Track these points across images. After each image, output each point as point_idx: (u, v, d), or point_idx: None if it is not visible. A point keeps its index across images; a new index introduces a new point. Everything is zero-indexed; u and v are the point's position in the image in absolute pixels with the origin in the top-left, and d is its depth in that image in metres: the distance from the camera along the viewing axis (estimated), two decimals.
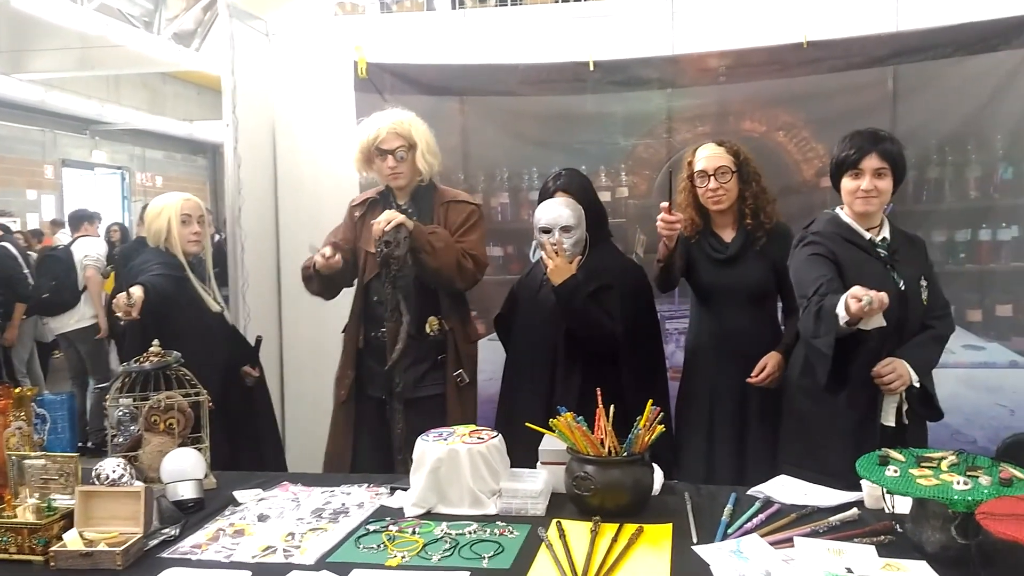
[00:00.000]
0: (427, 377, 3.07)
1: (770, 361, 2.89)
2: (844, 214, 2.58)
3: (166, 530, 2.02)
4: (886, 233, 2.57)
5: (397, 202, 3.13)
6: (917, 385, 2.46)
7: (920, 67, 3.49)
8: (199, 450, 2.39)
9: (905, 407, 2.49)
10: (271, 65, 4.19)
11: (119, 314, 2.83)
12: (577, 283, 2.86)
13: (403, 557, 1.86)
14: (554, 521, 2.02)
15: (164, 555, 1.91)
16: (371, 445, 3.12)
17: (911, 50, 3.49)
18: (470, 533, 1.98)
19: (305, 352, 4.21)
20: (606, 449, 2.10)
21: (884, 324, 2.18)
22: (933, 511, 1.75)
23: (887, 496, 1.91)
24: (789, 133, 3.64)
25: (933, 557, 1.74)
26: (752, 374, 2.90)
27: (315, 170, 4.10)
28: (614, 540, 1.89)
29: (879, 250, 2.53)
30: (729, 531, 1.95)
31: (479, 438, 2.20)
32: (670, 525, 1.99)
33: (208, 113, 13.90)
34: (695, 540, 1.91)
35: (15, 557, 1.90)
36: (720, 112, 3.71)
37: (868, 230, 2.54)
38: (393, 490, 2.29)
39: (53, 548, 1.87)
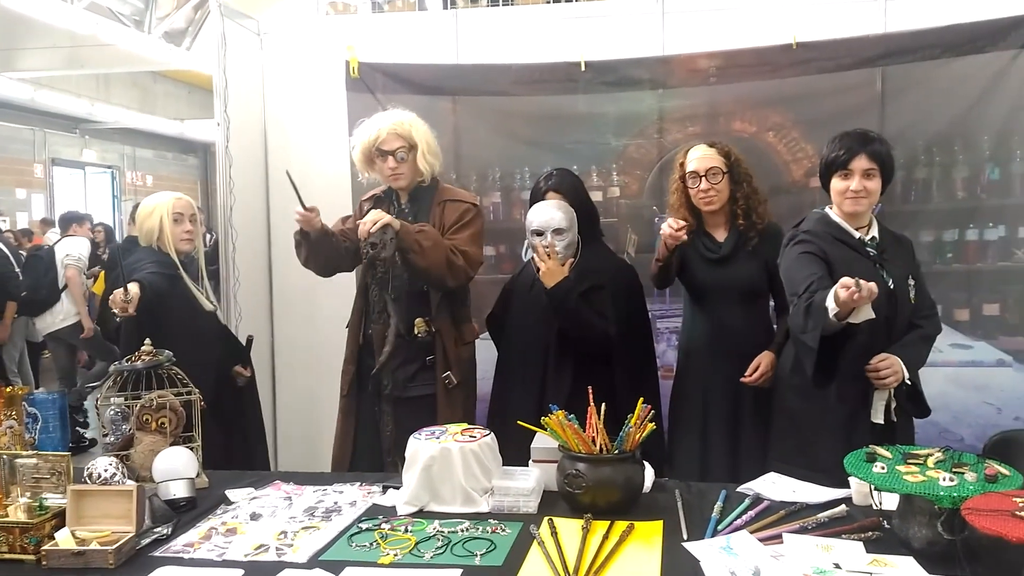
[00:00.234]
0: (417, 377, 3.07)
1: (763, 360, 2.91)
2: (833, 213, 2.60)
3: (158, 529, 2.02)
4: (875, 232, 2.59)
5: (399, 201, 3.14)
6: (908, 382, 2.49)
7: (908, 68, 3.52)
8: (191, 449, 2.39)
9: (894, 404, 2.52)
10: (262, 64, 4.19)
11: (115, 311, 2.84)
12: (569, 286, 2.87)
13: (396, 555, 1.87)
14: (546, 519, 2.03)
15: (156, 554, 1.92)
16: (369, 440, 3.13)
17: (899, 51, 3.51)
18: (462, 531, 1.99)
19: (297, 352, 4.21)
20: (597, 447, 2.11)
21: (873, 316, 2.20)
22: (920, 507, 1.77)
23: (875, 492, 1.93)
24: (779, 133, 3.66)
25: (920, 553, 1.75)
26: (746, 374, 2.92)
27: (307, 169, 4.08)
28: (605, 537, 1.91)
29: (868, 249, 2.55)
30: (719, 528, 1.97)
31: (471, 436, 2.21)
32: (661, 522, 2.01)
33: (199, 112, 13.87)
34: (685, 537, 1.93)
35: (7, 556, 1.90)
36: (710, 113, 3.72)
37: (857, 229, 2.57)
38: (385, 488, 2.30)
39: (45, 547, 1.87)
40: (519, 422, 2.32)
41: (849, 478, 2.05)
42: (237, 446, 3.17)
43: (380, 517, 2.10)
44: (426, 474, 2.14)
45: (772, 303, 3.06)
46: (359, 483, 2.37)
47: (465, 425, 2.32)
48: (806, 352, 2.39)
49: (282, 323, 4.27)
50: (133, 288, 2.82)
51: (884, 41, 3.54)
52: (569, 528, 1.97)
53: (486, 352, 3.42)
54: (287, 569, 1.82)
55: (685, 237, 2.86)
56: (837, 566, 1.69)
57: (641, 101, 3.76)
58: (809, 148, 3.61)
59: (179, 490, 2.20)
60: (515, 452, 2.34)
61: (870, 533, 1.88)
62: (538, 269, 2.91)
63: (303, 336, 4.17)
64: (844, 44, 3.55)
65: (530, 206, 3.13)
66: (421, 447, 2.18)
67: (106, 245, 8.30)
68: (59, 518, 1.96)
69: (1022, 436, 3.14)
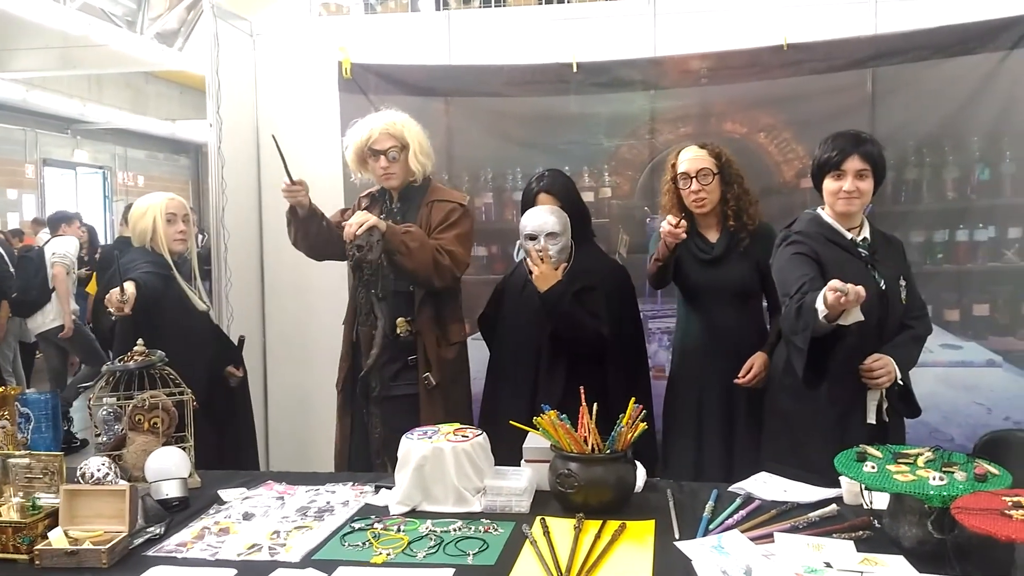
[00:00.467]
0: (400, 377, 3.08)
1: (756, 361, 2.92)
2: (825, 214, 2.61)
3: (151, 529, 2.02)
4: (866, 233, 2.60)
5: (391, 200, 3.15)
6: (900, 382, 2.51)
7: (898, 69, 3.53)
8: (184, 449, 2.39)
9: (885, 405, 2.53)
10: (255, 65, 4.19)
11: (111, 309, 2.84)
12: (563, 289, 2.88)
13: (388, 554, 1.87)
14: (538, 518, 2.03)
15: (149, 553, 1.92)
16: (359, 440, 3.14)
17: (890, 53, 3.52)
18: (455, 530, 2.00)
19: (288, 352, 4.21)
20: (589, 447, 2.12)
21: (863, 319, 2.21)
22: (910, 506, 1.78)
23: (865, 492, 1.94)
24: (770, 134, 3.67)
25: (910, 551, 1.77)
26: (739, 375, 2.93)
27: (299, 170, 4.07)
28: (597, 536, 1.91)
29: (860, 250, 2.56)
30: (710, 527, 1.97)
31: (464, 436, 2.22)
32: (652, 521, 2.01)
33: (191, 113, 13.83)
34: (677, 536, 1.94)
35: None
36: (702, 113, 3.73)
37: (849, 230, 2.58)
38: (378, 488, 2.30)
39: (38, 547, 1.87)
40: (511, 422, 2.33)
41: (840, 477, 2.06)
42: (229, 446, 3.17)
43: (373, 517, 2.10)
44: (418, 474, 2.15)
45: (765, 303, 3.07)
46: (352, 483, 2.38)
47: (457, 425, 2.32)
48: (797, 353, 2.40)
49: (274, 323, 4.26)
50: (129, 288, 2.82)
51: (874, 42, 3.55)
52: (561, 527, 1.98)
53: (476, 351, 3.42)
54: (280, 568, 1.82)
55: (684, 235, 2.86)
56: (828, 565, 1.70)
57: (633, 102, 3.76)
58: (800, 149, 3.63)
59: (172, 490, 2.20)
60: (508, 452, 2.35)
61: (861, 532, 1.89)
62: (531, 272, 2.91)
63: (295, 336, 4.16)
64: (835, 45, 3.57)
65: (522, 207, 3.14)
66: (413, 447, 2.18)
67: (89, 246, 8.27)
68: (52, 518, 1.96)
69: (1012, 436, 3.15)
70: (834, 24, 3.61)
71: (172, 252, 3.13)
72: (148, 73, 13.54)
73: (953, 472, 1.79)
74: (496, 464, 2.27)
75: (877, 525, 1.90)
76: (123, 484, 2.07)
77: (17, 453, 2.13)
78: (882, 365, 2.47)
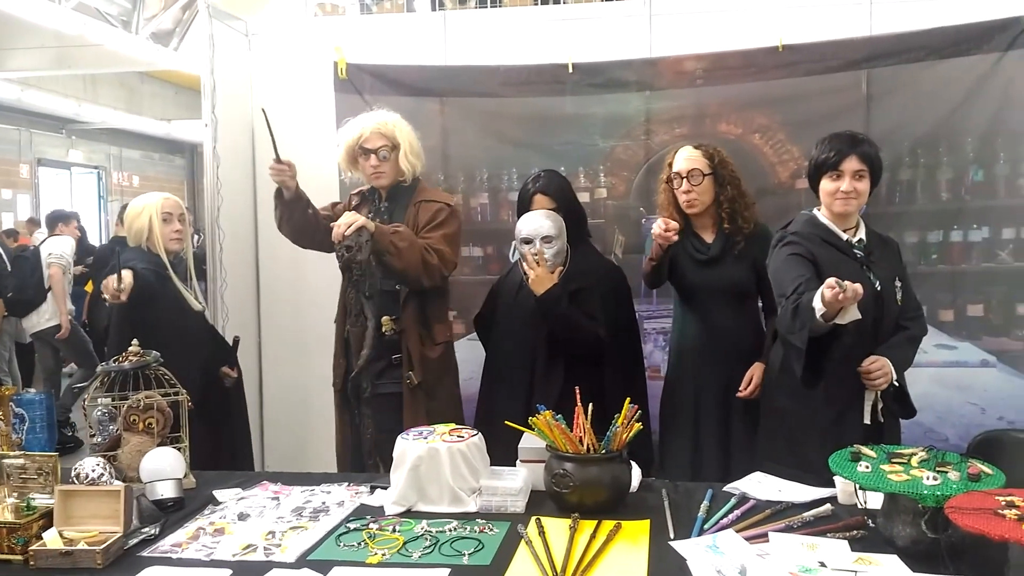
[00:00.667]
0: (385, 375, 3.09)
1: (756, 373, 2.92)
2: (821, 215, 2.61)
3: (146, 529, 2.02)
4: (862, 234, 2.61)
5: (380, 200, 3.15)
6: (895, 383, 2.51)
7: (893, 71, 3.53)
8: (179, 450, 2.39)
9: (880, 405, 2.54)
10: (250, 65, 4.19)
11: (106, 296, 2.84)
12: (559, 292, 2.88)
13: (383, 555, 1.88)
14: (533, 518, 2.04)
15: (144, 554, 1.92)
16: (353, 440, 3.14)
17: (884, 54, 3.53)
18: (450, 531, 2.00)
19: (284, 352, 4.20)
20: (585, 447, 2.12)
21: (859, 317, 2.22)
22: (904, 506, 1.79)
23: (859, 492, 1.95)
24: (765, 135, 3.67)
25: (904, 551, 1.77)
26: (740, 388, 2.94)
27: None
28: (592, 536, 1.92)
29: (855, 251, 2.57)
30: (705, 527, 1.98)
31: (459, 436, 2.22)
32: (648, 521, 2.02)
33: (186, 113, 13.79)
34: (672, 536, 1.94)
35: None
36: (697, 114, 3.74)
37: (845, 231, 2.58)
38: (373, 488, 2.30)
39: (32, 547, 1.87)
40: (507, 422, 2.33)
41: (834, 477, 2.06)
42: (224, 447, 3.17)
43: (368, 517, 2.11)
44: (414, 474, 2.15)
45: (760, 304, 3.08)
46: (347, 483, 2.38)
47: (453, 425, 2.33)
48: (795, 353, 2.41)
49: (269, 324, 4.26)
50: (127, 276, 2.83)
51: (869, 44, 3.56)
52: (556, 527, 1.98)
53: (472, 352, 3.42)
54: (275, 569, 1.82)
55: (675, 238, 2.87)
56: (822, 564, 1.71)
57: (628, 103, 3.76)
58: (795, 150, 3.63)
59: (167, 490, 2.20)
60: (504, 452, 2.35)
61: (855, 532, 1.89)
62: (527, 276, 2.92)
63: (290, 336, 4.16)
64: (830, 46, 3.57)
65: (518, 208, 3.14)
66: (409, 447, 2.18)
67: (80, 248, 8.24)
68: (47, 518, 1.96)
69: (1006, 436, 3.16)
70: (829, 25, 3.61)
71: (168, 251, 3.13)
72: (143, 73, 13.51)
73: (947, 472, 1.80)
74: (493, 464, 2.27)
75: (871, 525, 1.91)
76: (118, 485, 2.07)
77: (12, 454, 2.13)
78: (880, 367, 2.48)
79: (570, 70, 3.75)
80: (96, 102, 12.97)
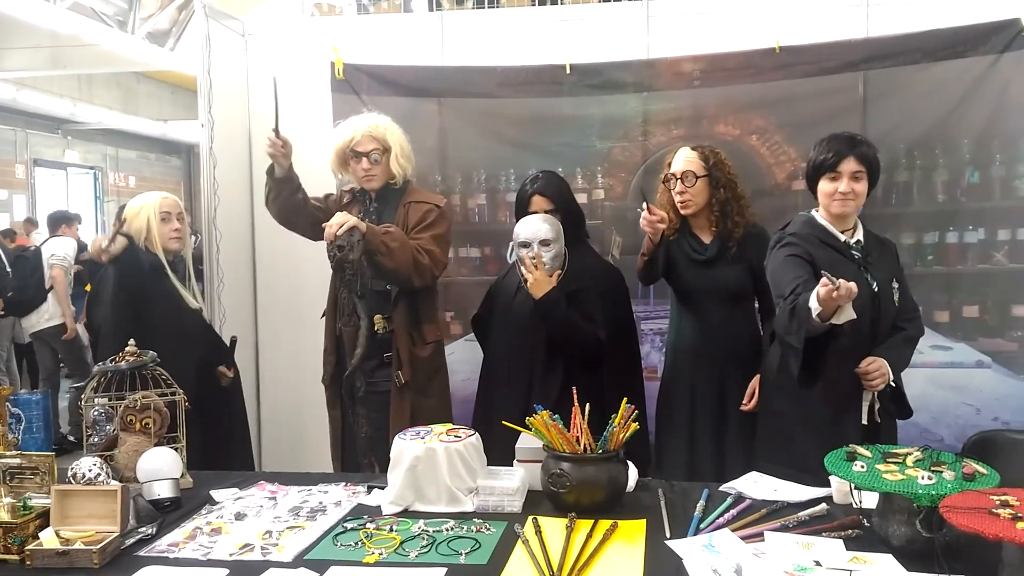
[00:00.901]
0: (377, 373, 3.10)
1: (757, 386, 2.93)
2: (819, 216, 2.62)
3: (143, 529, 2.02)
4: (860, 236, 2.61)
5: (370, 201, 3.17)
6: (892, 383, 2.52)
7: (890, 72, 3.54)
8: (175, 449, 2.39)
9: (877, 405, 2.55)
10: (247, 65, 4.19)
11: (90, 251, 2.87)
12: (557, 296, 2.88)
13: (380, 554, 1.88)
14: (530, 518, 2.04)
15: (141, 553, 1.92)
16: (349, 435, 3.15)
17: (881, 56, 3.54)
18: (447, 530, 2.00)
19: (281, 352, 4.20)
20: (581, 447, 2.13)
21: (855, 317, 2.23)
22: (899, 505, 1.80)
23: (855, 491, 1.95)
24: (762, 137, 3.68)
25: (899, 550, 1.78)
26: (743, 402, 2.95)
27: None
28: (589, 536, 1.92)
29: (853, 252, 2.57)
30: (701, 526, 1.99)
31: (456, 436, 2.22)
32: (644, 521, 2.02)
33: (182, 113, 13.79)
34: (668, 535, 1.95)
35: None
36: (694, 116, 3.74)
37: (843, 232, 2.59)
38: (370, 488, 2.31)
39: (29, 547, 1.87)
40: (504, 422, 2.34)
41: (830, 477, 2.07)
42: (221, 446, 3.17)
43: (365, 517, 2.11)
44: (411, 474, 2.15)
45: (757, 305, 3.09)
46: (344, 483, 2.39)
47: (450, 425, 2.33)
48: (792, 353, 2.42)
49: (266, 324, 4.26)
50: (120, 242, 2.88)
51: (866, 46, 3.57)
52: (553, 527, 1.99)
53: (469, 353, 3.43)
54: (272, 568, 1.82)
55: (663, 226, 2.87)
56: (818, 564, 1.72)
57: (626, 104, 3.77)
58: (792, 151, 3.64)
59: (163, 490, 2.20)
60: (501, 452, 2.35)
61: (850, 531, 1.90)
62: (525, 280, 2.91)
63: (287, 337, 4.16)
64: (827, 48, 3.58)
65: (516, 209, 3.15)
66: (406, 447, 2.19)
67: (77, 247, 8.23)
68: (43, 518, 1.96)
69: (1001, 436, 3.17)
70: (826, 27, 3.62)
71: (167, 251, 3.13)
72: (139, 73, 13.50)
73: (941, 471, 1.81)
74: (491, 464, 2.27)
75: (866, 524, 1.91)
76: (115, 484, 2.07)
77: (8, 453, 2.13)
78: (877, 367, 2.48)
79: (568, 71, 3.75)
80: (92, 102, 12.96)
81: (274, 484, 2.38)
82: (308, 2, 4.65)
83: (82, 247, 7.81)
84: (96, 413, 2.44)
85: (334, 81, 3.88)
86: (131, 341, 2.53)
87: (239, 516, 2.13)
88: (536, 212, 3.05)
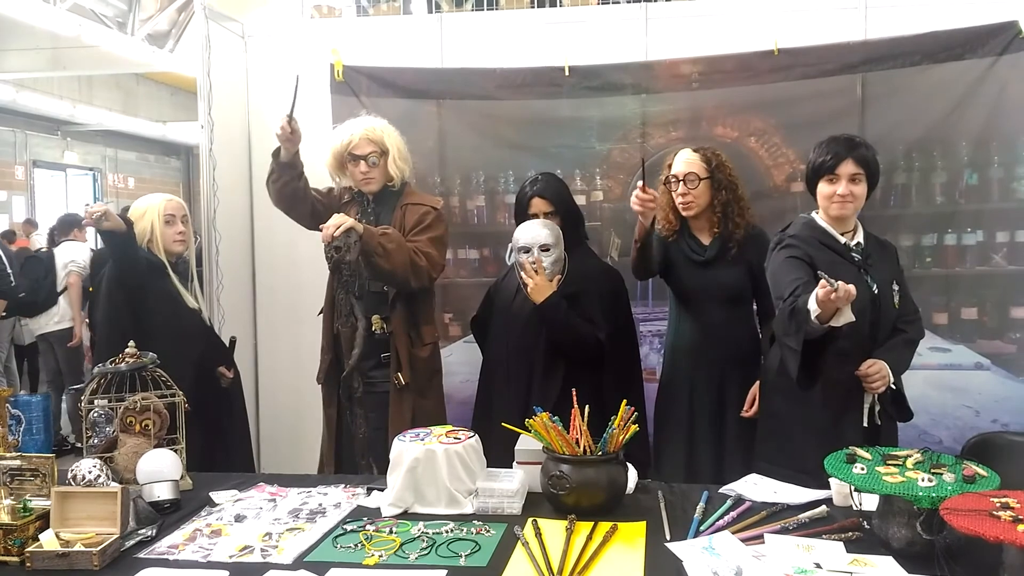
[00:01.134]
0: (373, 374, 3.11)
1: (757, 392, 2.93)
2: (820, 218, 2.62)
3: (143, 531, 2.02)
4: (860, 238, 2.61)
5: (368, 203, 3.17)
6: (892, 386, 2.52)
7: (888, 75, 3.54)
8: (175, 451, 2.39)
9: (878, 408, 2.55)
10: (247, 67, 4.19)
11: (83, 214, 2.90)
12: (558, 300, 2.89)
13: (380, 556, 1.88)
14: (530, 520, 2.04)
15: (141, 555, 1.92)
16: (344, 440, 3.16)
17: (879, 58, 3.54)
18: (447, 532, 2.00)
19: (280, 354, 4.20)
20: (581, 448, 2.13)
21: (853, 319, 2.23)
22: (899, 507, 1.80)
23: (855, 493, 1.95)
24: (760, 138, 3.68)
25: (899, 552, 1.78)
26: (744, 409, 2.95)
27: None
28: (589, 538, 1.92)
29: (853, 254, 2.57)
30: (701, 528, 1.99)
31: (456, 438, 2.22)
32: (644, 523, 2.03)
33: (182, 114, 13.81)
34: (668, 537, 1.95)
35: None
36: (693, 117, 3.74)
37: (843, 234, 2.59)
38: (370, 490, 2.31)
39: (29, 549, 1.87)
40: (503, 424, 2.34)
41: (829, 479, 2.07)
42: (220, 447, 3.17)
43: (365, 519, 2.11)
44: (411, 476, 2.15)
45: (756, 308, 3.09)
46: (343, 485, 2.39)
47: (450, 427, 2.33)
48: (790, 354, 2.42)
49: (265, 325, 4.26)
50: (119, 223, 2.91)
51: (864, 48, 3.57)
52: (553, 529, 1.99)
53: (468, 354, 3.43)
54: (272, 570, 1.83)
55: (653, 206, 2.87)
56: (818, 566, 1.72)
57: (624, 106, 3.77)
58: (790, 153, 3.64)
59: (163, 492, 2.20)
60: (501, 454, 2.35)
61: (850, 533, 1.90)
62: (526, 285, 2.91)
63: (286, 338, 4.16)
64: (825, 50, 3.58)
65: (515, 211, 3.15)
66: (406, 449, 2.19)
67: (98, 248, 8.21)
68: (43, 520, 1.96)
69: (1000, 438, 3.16)
70: (824, 29, 3.62)
71: (170, 253, 3.15)
72: (138, 75, 13.52)
73: (942, 474, 1.81)
74: (491, 466, 2.27)
75: (866, 526, 1.91)
76: (114, 486, 2.07)
77: (8, 455, 2.13)
78: (877, 370, 2.48)
79: (566, 73, 3.75)
80: (91, 104, 12.97)
81: (273, 486, 2.38)
82: (308, 4, 4.65)
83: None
84: (95, 415, 2.44)
85: (333, 83, 3.89)
86: (131, 343, 2.53)
87: (239, 518, 2.13)
88: (536, 214, 3.06)
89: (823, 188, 2.57)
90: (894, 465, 1.89)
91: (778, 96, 3.64)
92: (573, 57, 3.76)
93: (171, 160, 17.41)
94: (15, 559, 1.89)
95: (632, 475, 2.23)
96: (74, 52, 9.48)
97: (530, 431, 2.18)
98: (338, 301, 3.05)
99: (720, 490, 2.24)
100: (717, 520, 2.02)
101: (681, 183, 2.96)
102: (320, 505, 2.22)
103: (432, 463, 2.15)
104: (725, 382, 3.00)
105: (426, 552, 1.90)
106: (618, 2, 4.13)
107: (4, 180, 12.28)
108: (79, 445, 3.99)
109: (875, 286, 2.54)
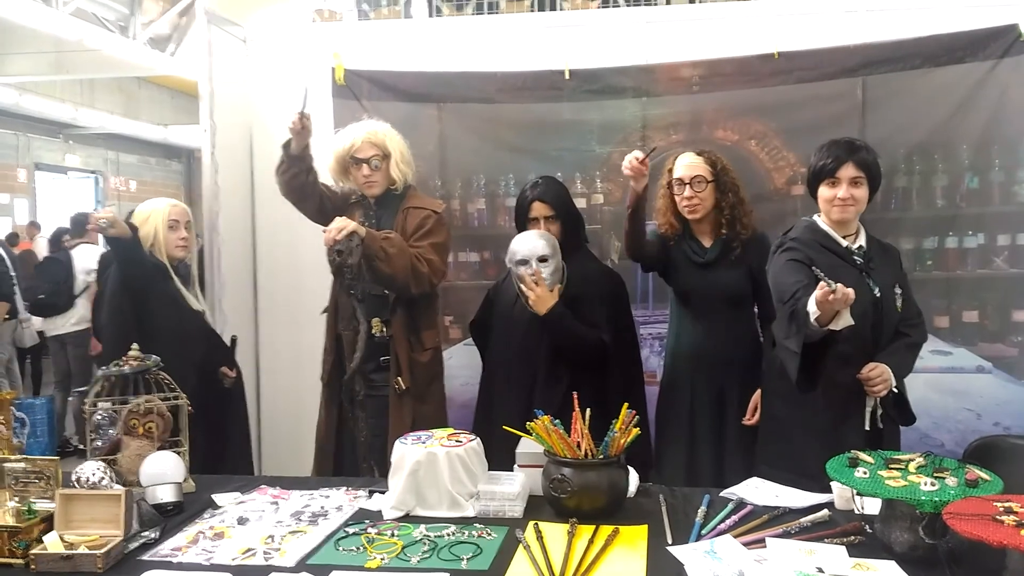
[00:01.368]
0: (373, 377, 3.11)
1: (759, 400, 2.92)
2: (821, 221, 2.62)
3: (146, 533, 2.03)
4: (862, 241, 2.62)
5: (372, 206, 3.18)
6: (895, 389, 2.53)
7: (888, 78, 3.55)
8: (178, 454, 2.39)
9: (879, 411, 2.55)
10: (248, 71, 4.20)
11: (94, 216, 2.91)
12: (562, 310, 2.88)
13: (382, 559, 1.88)
14: (531, 523, 2.05)
15: (144, 558, 1.93)
16: (345, 441, 3.16)
17: (880, 61, 3.55)
18: (448, 535, 2.01)
19: (281, 357, 4.20)
20: (582, 452, 2.13)
21: (852, 323, 2.23)
22: (901, 512, 1.80)
23: (857, 497, 1.96)
24: (761, 142, 3.69)
25: (902, 557, 1.78)
26: (746, 416, 2.96)
27: None
28: (590, 541, 1.93)
29: (855, 257, 2.57)
30: (703, 532, 1.99)
31: (457, 441, 2.23)
32: (645, 526, 2.03)
33: (183, 117, 13.82)
34: (670, 541, 1.95)
35: None
36: (693, 121, 3.75)
37: (844, 237, 2.59)
38: (372, 493, 2.31)
39: (33, 551, 1.87)
40: (505, 427, 2.34)
41: (831, 483, 2.07)
42: (222, 448, 3.18)
43: (367, 521, 2.11)
44: (412, 479, 2.16)
45: (757, 311, 3.09)
46: (345, 487, 2.39)
47: (451, 430, 2.33)
48: (790, 357, 2.42)
49: (267, 328, 4.26)
50: (123, 228, 2.93)
51: (865, 51, 3.57)
52: (554, 532, 1.99)
53: (468, 357, 3.43)
54: (274, 573, 1.83)
55: (646, 172, 2.85)
56: (820, 570, 1.72)
57: (625, 109, 3.78)
58: (791, 156, 3.65)
59: (167, 494, 2.20)
60: (503, 457, 2.35)
61: (852, 537, 1.90)
62: (527, 298, 2.91)
63: (288, 342, 4.16)
64: (825, 54, 3.59)
65: (516, 214, 3.14)
66: (407, 452, 2.19)
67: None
68: (47, 522, 1.97)
69: (1002, 441, 3.16)
70: (825, 33, 3.62)
71: (173, 258, 3.16)
72: (140, 78, 13.54)
73: (944, 478, 1.81)
74: (492, 469, 2.28)
75: (869, 530, 1.91)
76: (118, 489, 2.07)
77: (12, 457, 2.13)
78: (879, 373, 2.48)
79: (567, 76, 3.76)
80: (93, 107, 12.99)
81: (276, 488, 2.38)
82: (309, 8, 4.66)
83: (60, 249, 7.78)
84: (99, 417, 2.44)
85: (335, 87, 3.89)
86: (134, 345, 2.53)
87: (241, 520, 2.13)
88: (536, 218, 3.05)
89: (824, 192, 2.58)
90: (896, 469, 1.89)
91: (778, 99, 3.65)
92: (573, 61, 3.76)
93: (172, 163, 17.42)
94: (19, 561, 1.89)
95: (633, 478, 2.23)
96: (76, 56, 9.49)
97: (531, 434, 2.18)
98: (341, 304, 3.05)
99: (721, 494, 2.24)
100: (719, 524, 2.02)
101: (688, 186, 2.96)
102: (322, 508, 2.22)
103: (434, 466, 2.15)
104: (726, 385, 3.00)
105: (428, 555, 1.90)
106: (618, 5, 4.14)
107: (6, 183, 12.29)
108: (82, 447, 4.00)
109: (877, 289, 2.54)
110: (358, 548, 1.94)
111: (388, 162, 3.13)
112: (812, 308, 2.23)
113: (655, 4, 3.90)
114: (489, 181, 3.95)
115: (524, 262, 2.92)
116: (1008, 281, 3.58)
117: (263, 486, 2.41)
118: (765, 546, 1.87)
